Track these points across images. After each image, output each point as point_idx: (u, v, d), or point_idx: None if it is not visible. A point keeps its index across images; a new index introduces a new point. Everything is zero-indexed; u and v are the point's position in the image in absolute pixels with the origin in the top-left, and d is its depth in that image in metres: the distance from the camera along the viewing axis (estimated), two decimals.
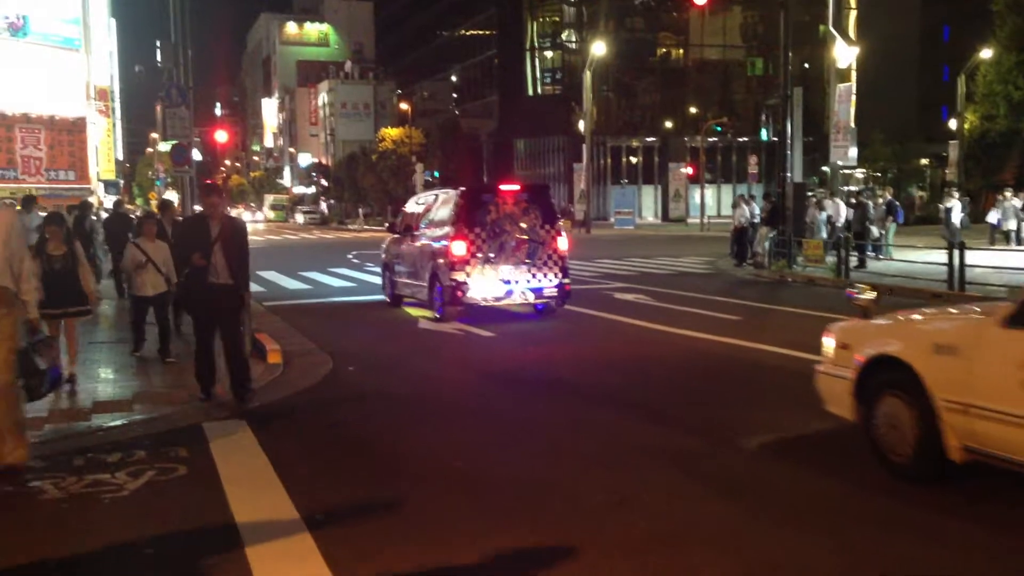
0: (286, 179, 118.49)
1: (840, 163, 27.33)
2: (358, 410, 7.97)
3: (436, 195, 14.78)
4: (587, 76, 47.86)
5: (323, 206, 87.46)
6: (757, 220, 23.37)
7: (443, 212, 13.80)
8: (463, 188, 13.96)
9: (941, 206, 25.56)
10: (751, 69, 68.47)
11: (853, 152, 27.34)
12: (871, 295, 6.78)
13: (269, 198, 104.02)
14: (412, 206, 15.70)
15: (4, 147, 52.67)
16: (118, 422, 7.35)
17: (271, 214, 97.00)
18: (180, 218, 18.12)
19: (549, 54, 69.45)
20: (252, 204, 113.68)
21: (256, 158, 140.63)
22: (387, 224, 21.02)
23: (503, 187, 13.71)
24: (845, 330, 6.32)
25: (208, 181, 11.47)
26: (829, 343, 6.36)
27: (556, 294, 13.42)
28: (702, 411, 7.65)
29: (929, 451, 5.38)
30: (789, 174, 20.80)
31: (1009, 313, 5.13)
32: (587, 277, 20.10)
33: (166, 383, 9.01)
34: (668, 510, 5.12)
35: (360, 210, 70.73)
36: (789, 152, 21.25)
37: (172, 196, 19.17)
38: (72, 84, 53.74)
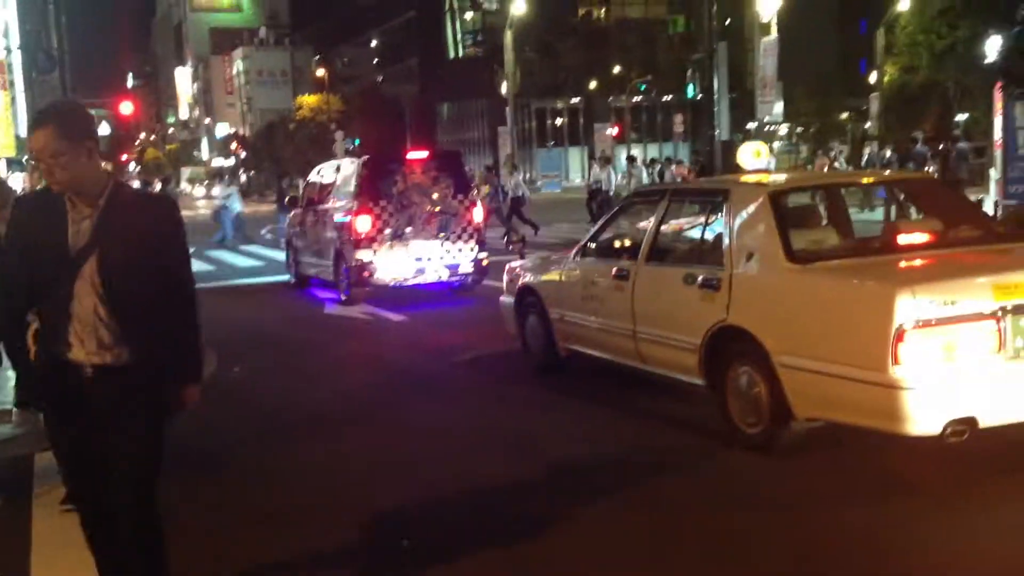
0: (204, 151, 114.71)
1: (767, 119, 26.69)
2: (224, 429, 6.70)
3: (338, 164, 13.49)
4: (508, 36, 46.50)
5: (242, 178, 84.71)
6: (611, 188, 22.41)
7: (345, 183, 12.56)
8: (366, 156, 12.74)
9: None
10: (673, 27, 67.77)
11: (779, 107, 26.73)
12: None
13: (186, 171, 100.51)
14: (314, 176, 14.40)
15: None
16: None
17: (188, 187, 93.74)
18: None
19: (469, 15, 67.82)
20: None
21: (172, 130, 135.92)
22: (285, 198, 19.62)
23: (410, 155, 12.50)
24: (511, 268, 8.30)
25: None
26: (505, 278, 8.32)
27: (472, 270, 12.30)
28: None
29: (550, 348, 7.50)
30: (717, 131, 19.98)
31: (579, 247, 7.25)
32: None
33: None
34: None
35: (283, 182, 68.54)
36: (716, 108, 20.42)
37: None
38: None
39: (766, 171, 7.74)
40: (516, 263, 8.31)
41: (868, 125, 52.05)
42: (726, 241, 5.71)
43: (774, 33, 27.23)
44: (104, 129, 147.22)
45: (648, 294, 6.26)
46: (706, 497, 4.89)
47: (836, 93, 59.16)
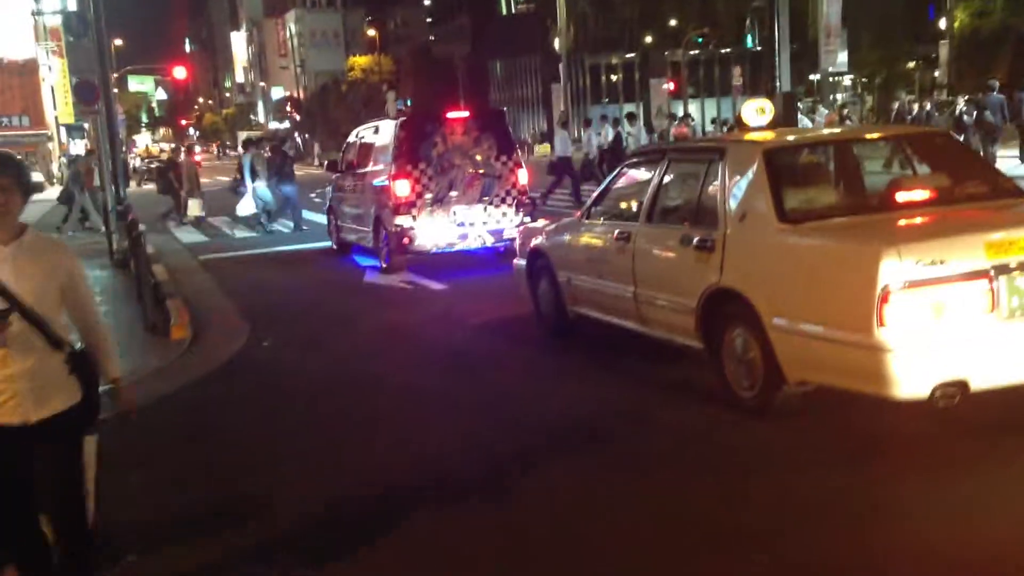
0: (260, 114, 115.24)
1: (831, 69, 25.46)
2: (243, 413, 6.29)
3: (376, 126, 12.95)
4: None
5: (297, 140, 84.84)
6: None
7: (383, 146, 12.01)
8: (403, 117, 12.17)
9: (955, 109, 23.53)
10: None
11: (843, 57, 25.57)
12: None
13: (242, 135, 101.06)
14: (354, 139, 13.88)
15: None
16: None
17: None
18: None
19: None
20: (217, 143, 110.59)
21: (228, 94, 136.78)
22: (325, 162, 19.14)
23: (450, 115, 11.87)
24: (524, 230, 8.50)
25: None
26: (517, 240, 8.43)
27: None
28: None
29: (561, 310, 7.43)
30: (778, 83, 18.93)
31: (584, 209, 7.35)
32: (563, 207, 18.35)
33: None
34: None
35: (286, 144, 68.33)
36: (777, 59, 19.35)
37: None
38: (19, 24, 50.84)
39: (770, 128, 7.19)
40: (530, 225, 8.15)
41: (937, 73, 50.00)
42: (721, 200, 5.59)
43: None
44: (160, 95, 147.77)
45: (647, 256, 6.24)
46: (694, 460, 4.85)
47: (902, 40, 56.79)
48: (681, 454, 4.93)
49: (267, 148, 20.64)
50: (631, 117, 24.20)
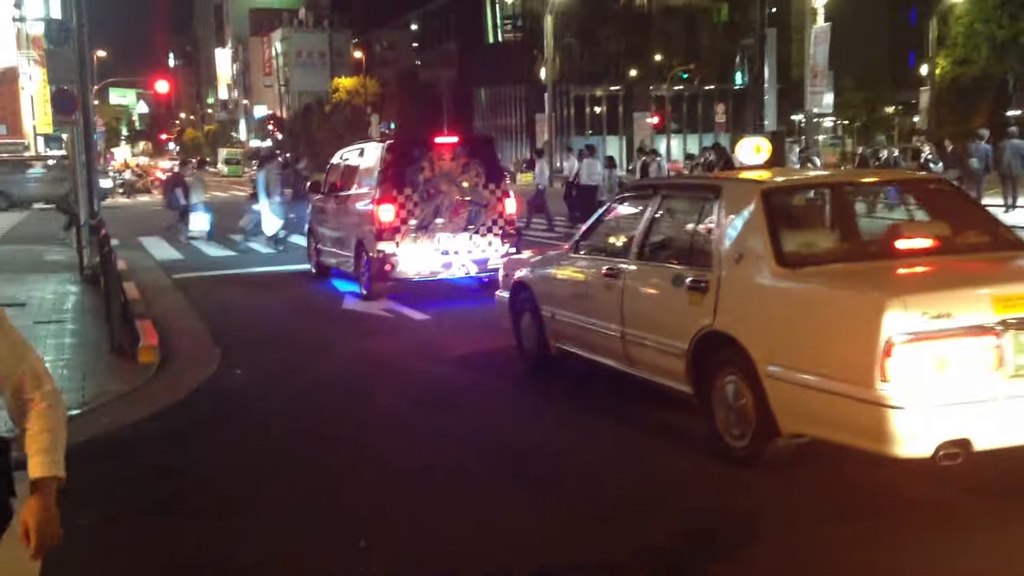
0: (241, 132, 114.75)
1: (816, 110, 25.50)
2: (208, 450, 5.89)
3: (361, 148, 12.64)
4: (548, 21, 45.44)
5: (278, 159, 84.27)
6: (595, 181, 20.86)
7: (368, 169, 11.71)
8: (390, 140, 11.89)
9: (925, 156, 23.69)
10: (717, 17, 66.20)
11: (829, 98, 25.55)
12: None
13: (223, 152, 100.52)
14: (338, 160, 13.58)
15: None
16: None
17: (224, 168, 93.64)
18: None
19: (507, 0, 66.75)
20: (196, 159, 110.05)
21: (210, 110, 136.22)
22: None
23: (438, 139, 11.61)
24: (508, 262, 8.31)
25: None
26: (500, 272, 8.27)
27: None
28: None
29: (544, 346, 7.22)
30: (766, 121, 18.89)
31: (572, 243, 7.12)
32: (546, 239, 18.12)
33: None
34: None
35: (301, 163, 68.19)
36: (766, 97, 19.32)
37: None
38: (2, 33, 50.25)
39: (766, 168, 7.03)
40: (514, 257, 7.91)
41: (917, 119, 50.47)
42: (715, 240, 5.39)
43: (824, 21, 26.04)
44: (141, 108, 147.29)
45: (636, 294, 6.03)
46: (680, 511, 4.62)
47: (884, 86, 57.40)
48: (663, 503, 4.71)
49: (281, 165, 20.44)
50: (590, 150, 23.41)
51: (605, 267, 6.37)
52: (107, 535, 4.49)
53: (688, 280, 5.45)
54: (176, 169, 27.86)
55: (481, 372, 7.78)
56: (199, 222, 20.61)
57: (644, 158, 23.86)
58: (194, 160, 29.19)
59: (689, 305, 5.42)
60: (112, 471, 5.35)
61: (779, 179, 6.10)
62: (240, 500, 4.96)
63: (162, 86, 45.76)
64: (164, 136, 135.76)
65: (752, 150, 6.84)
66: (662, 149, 52.91)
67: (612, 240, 6.83)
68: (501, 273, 8.23)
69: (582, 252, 6.93)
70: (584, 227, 7.30)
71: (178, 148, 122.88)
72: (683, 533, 4.37)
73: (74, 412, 6.39)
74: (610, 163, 22.23)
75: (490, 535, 4.42)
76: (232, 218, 21.43)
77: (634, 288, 6.07)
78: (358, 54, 76.53)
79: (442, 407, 6.71)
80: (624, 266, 6.18)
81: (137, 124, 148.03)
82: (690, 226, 5.92)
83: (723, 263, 5.29)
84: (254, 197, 19.85)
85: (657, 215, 6.20)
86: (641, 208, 6.42)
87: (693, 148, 50.66)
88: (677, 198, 6.38)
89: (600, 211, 7.29)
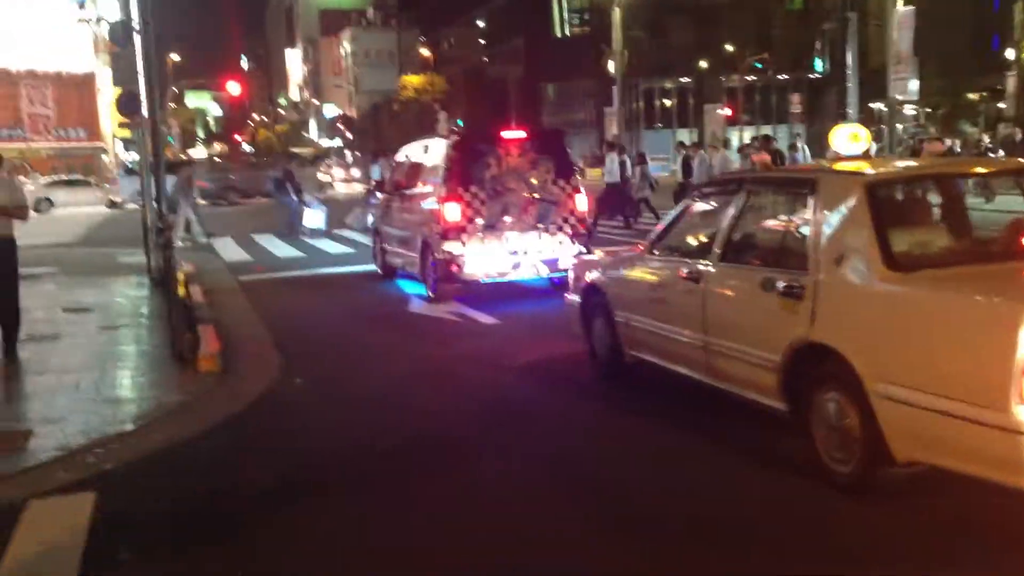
0: (312, 132, 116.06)
1: (900, 97, 24.42)
2: (262, 469, 5.49)
3: (426, 145, 12.26)
4: (616, 14, 44.68)
5: (348, 158, 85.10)
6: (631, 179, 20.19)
7: (434, 167, 11.32)
8: (456, 137, 11.48)
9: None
10: (790, 3, 64.48)
11: (914, 85, 24.43)
12: None
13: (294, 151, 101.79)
14: (402, 158, 13.22)
15: (9, 105, 50.82)
16: None
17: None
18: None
19: None
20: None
21: (282, 111, 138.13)
22: (372, 182, 19.05)
23: (506, 134, 11.16)
24: (578, 262, 7.84)
25: None
26: (570, 273, 7.84)
27: None
28: None
29: (618, 353, 6.75)
30: (849, 110, 17.98)
31: (649, 242, 6.54)
32: (618, 236, 17.55)
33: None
34: None
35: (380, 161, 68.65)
36: (849, 84, 18.41)
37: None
38: (79, 38, 51.43)
39: (866, 158, 6.37)
40: (584, 257, 7.47)
41: (1003, 105, 48.41)
42: (812, 241, 4.85)
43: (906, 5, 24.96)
44: (216, 110, 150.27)
45: (721, 300, 5.56)
46: (777, 541, 4.14)
47: (967, 72, 55.21)
48: (755, 533, 4.24)
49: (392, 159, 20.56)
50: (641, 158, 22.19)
51: (685, 269, 5.87)
52: (146, 572, 4.13)
53: (780, 285, 4.93)
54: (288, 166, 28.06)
55: (552, 382, 7.29)
56: (314, 218, 20.68)
57: (685, 152, 22.59)
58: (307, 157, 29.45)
59: (782, 312, 4.91)
60: (157, 496, 5.01)
61: (883, 170, 5.48)
62: (292, 529, 4.56)
63: (234, 88, 46.32)
64: (237, 137, 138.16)
65: (849, 138, 6.20)
66: (735, 141, 51.82)
67: (692, 240, 6.30)
68: (571, 275, 7.76)
69: (659, 253, 6.43)
70: (661, 225, 6.78)
71: (253, 149, 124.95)
72: (782, 567, 3.89)
73: (128, 428, 6.12)
74: (641, 159, 21.52)
75: (568, 569, 3.95)
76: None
77: (718, 293, 5.58)
78: (425, 52, 76.68)
79: (511, 423, 6.25)
80: (706, 268, 5.68)
81: (213, 126, 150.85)
82: (781, 224, 5.37)
83: (821, 266, 4.75)
84: (372, 193, 19.96)
85: (742, 212, 5.66)
86: (724, 204, 5.88)
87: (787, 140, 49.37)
88: (765, 193, 5.81)
89: (679, 208, 6.75)
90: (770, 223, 5.62)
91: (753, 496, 4.69)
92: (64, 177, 43.05)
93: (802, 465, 4.80)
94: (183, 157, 38.31)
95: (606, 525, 4.42)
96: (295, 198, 21.70)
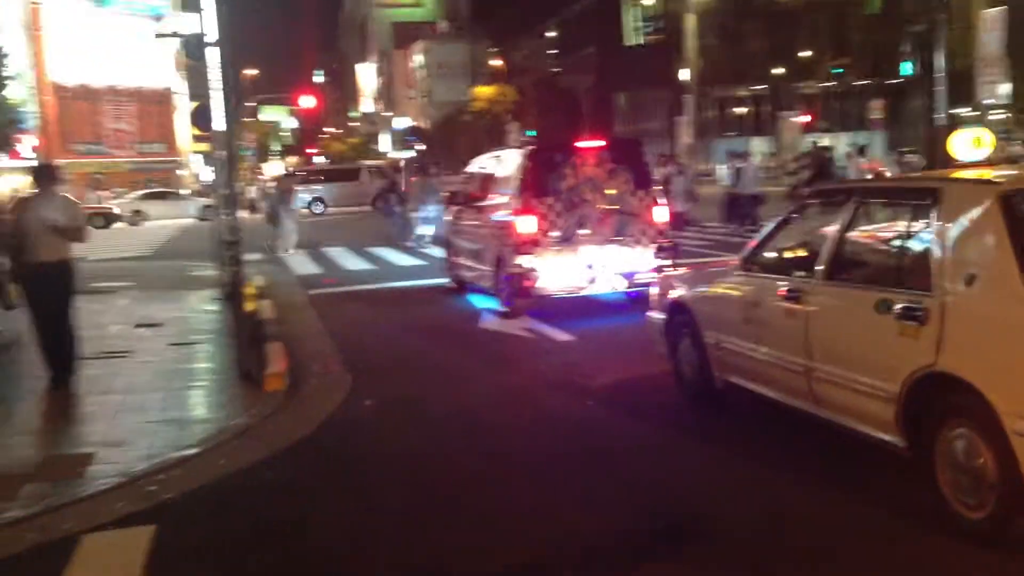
0: (383, 144, 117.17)
1: (990, 101, 23.37)
2: (329, 501, 5.14)
3: (500, 156, 11.93)
4: (690, 20, 44.00)
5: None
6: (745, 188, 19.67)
7: (507, 178, 10.98)
8: (531, 146, 11.13)
9: None
10: (869, 7, 62.78)
11: (1005, 88, 23.35)
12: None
13: (365, 165, 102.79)
14: (475, 168, 12.91)
15: (91, 120, 52.14)
16: None
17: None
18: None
19: (647, 1, 65.41)
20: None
21: (356, 124, 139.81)
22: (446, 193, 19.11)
23: (582, 144, 10.76)
24: (662, 278, 7.31)
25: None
26: (652, 291, 7.38)
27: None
28: None
29: (707, 376, 6.32)
30: (942, 114, 17.14)
31: (743, 257, 6.13)
32: (695, 247, 16.99)
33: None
34: None
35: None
36: (936, 88, 17.58)
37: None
38: (159, 54, 52.61)
39: (988, 164, 5.78)
40: (668, 273, 7.22)
41: None
42: (936, 258, 4.37)
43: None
44: (290, 123, 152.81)
45: (827, 322, 5.07)
46: None
47: None
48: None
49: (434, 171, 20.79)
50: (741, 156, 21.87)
51: (785, 288, 5.39)
52: None
53: (899, 307, 4.46)
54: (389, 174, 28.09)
55: (634, 409, 6.81)
56: (426, 227, 20.62)
57: (735, 161, 21.53)
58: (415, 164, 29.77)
59: (900, 338, 4.43)
60: (214, 531, 4.70)
61: (1016, 176, 4.92)
62: (371, 568, 4.21)
63: (308, 101, 46.84)
64: (310, 150, 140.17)
65: (971, 143, 5.63)
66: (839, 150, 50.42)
67: (792, 255, 5.80)
68: (655, 291, 7.31)
69: (754, 269, 5.96)
70: (756, 239, 6.31)
71: (329, 160, 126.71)
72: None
73: (190, 452, 5.86)
74: (680, 170, 21.14)
75: None
76: None
77: (823, 314, 5.09)
78: (497, 63, 76.73)
79: (591, 457, 5.77)
80: (809, 287, 5.19)
81: (288, 139, 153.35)
82: (898, 239, 4.87)
83: (948, 286, 4.26)
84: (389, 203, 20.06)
85: (851, 225, 5.17)
86: (830, 216, 5.39)
87: (844, 148, 47.98)
88: (878, 204, 5.31)
89: (777, 220, 6.27)
90: (884, 237, 5.11)
91: (866, 544, 4.19)
92: (156, 189, 44.04)
93: (921, 505, 4.32)
94: (288, 169, 39.13)
95: (691, 565, 3.97)
96: (397, 208, 21.52)
